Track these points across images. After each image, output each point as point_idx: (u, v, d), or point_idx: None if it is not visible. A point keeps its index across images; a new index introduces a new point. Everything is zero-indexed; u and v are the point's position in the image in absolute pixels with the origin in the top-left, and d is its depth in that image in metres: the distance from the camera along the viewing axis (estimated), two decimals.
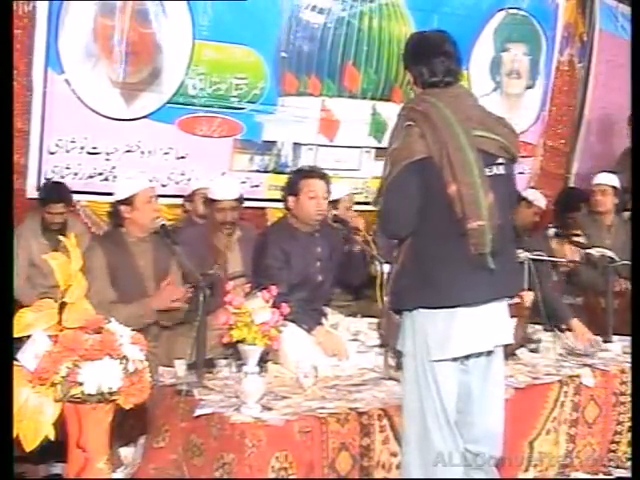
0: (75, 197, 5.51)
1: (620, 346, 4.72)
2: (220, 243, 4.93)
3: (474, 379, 3.30)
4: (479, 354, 3.27)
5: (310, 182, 4.58)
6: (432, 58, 3.25)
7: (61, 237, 3.23)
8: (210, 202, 5.01)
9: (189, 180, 6.01)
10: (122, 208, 4.33)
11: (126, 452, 3.76)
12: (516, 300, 4.51)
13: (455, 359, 3.21)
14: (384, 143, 6.84)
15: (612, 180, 6.06)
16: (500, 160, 3.25)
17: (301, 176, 4.66)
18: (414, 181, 3.13)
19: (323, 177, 4.67)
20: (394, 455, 3.61)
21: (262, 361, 3.60)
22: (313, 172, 4.71)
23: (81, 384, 2.84)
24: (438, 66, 3.25)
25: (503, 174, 3.26)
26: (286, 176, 5.03)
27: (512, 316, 4.35)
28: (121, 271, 4.30)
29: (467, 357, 3.26)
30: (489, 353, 3.29)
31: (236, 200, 5.01)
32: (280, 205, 5.22)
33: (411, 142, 3.14)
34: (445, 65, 3.25)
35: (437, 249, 3.17)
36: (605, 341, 4.87)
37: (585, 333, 4.82)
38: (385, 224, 3.33)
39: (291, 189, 4.62)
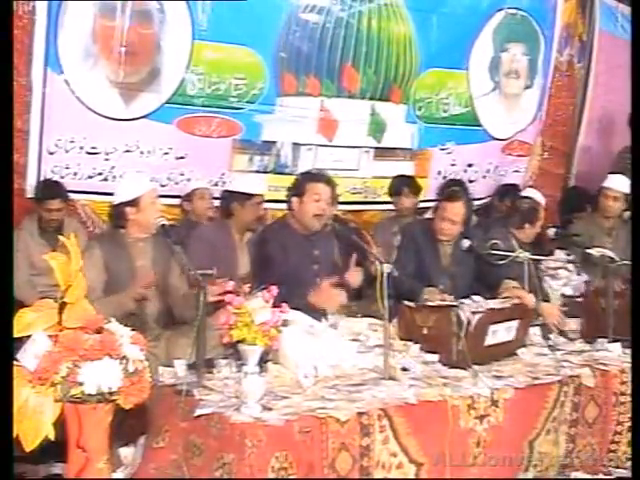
0: (74, 196, 5.52)
1: (620, 346, 4.71)
2: (233, 243, 4.95)
3: None
4: None
5: (316, 186, 4.64)
6: None
7: (61, 237, 3.22)
8: (238, 198, 5.02)
9: (188, 180, 6.03)
10: (127, 209, 4.28)
11: (126, 452, 3.75)
12: (516, 301, 4.54)
13: None
14: (383, 143, 6.89)
15: (624, 186, 5.84)
16: None
17: (307, 179, 4.72)
18: None
19: (329, 182, 4.72)
20: (394, 455, 3.59)
21: (262, 361, 3.59)
22: (320, 176, 4.77)
23: (81, 384, 2.84)
24: None
25: None
26: (285, 176, 5.04)
27: (516, 318, 4.39)
28: (119, 271, 4.28)
29: None
30: None
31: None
32: (280, 206, 5.25)
33: None
34: None
35: None
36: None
37: None
38: None
39: (296, 190, 4.67)
